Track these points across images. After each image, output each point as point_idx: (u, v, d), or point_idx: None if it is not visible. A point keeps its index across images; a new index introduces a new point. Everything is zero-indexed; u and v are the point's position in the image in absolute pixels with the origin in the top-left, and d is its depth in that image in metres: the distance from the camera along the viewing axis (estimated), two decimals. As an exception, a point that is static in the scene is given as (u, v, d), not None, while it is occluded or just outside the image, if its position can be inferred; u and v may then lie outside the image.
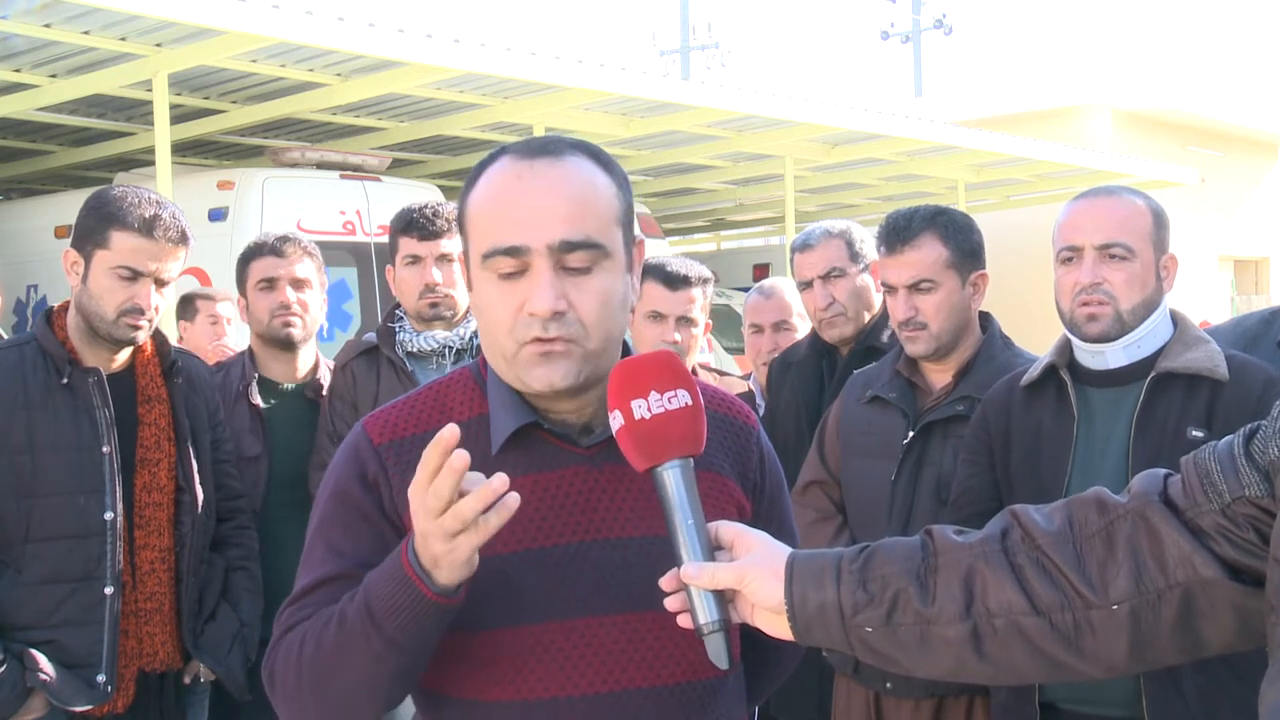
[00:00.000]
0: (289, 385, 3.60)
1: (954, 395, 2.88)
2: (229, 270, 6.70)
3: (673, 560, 1.44)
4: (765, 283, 4.16)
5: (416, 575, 1.37)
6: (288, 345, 3.56)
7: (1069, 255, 2.53)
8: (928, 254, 2.87)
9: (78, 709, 2.69)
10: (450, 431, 1.31)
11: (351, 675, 1.44)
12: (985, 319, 3.02)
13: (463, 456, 1.30)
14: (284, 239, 3.59)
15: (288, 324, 3.52)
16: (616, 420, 1.43)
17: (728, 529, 1.47)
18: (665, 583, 1.44)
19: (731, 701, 1.61)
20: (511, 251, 1.48)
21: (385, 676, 1.44)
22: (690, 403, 1.44)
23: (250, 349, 3.65)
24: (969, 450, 2.68)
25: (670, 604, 1.44)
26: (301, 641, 1.49)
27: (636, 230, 1.63)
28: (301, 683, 1.48)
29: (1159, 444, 2.37)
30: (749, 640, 1.57)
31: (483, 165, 1.57)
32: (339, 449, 1.62)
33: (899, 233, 2.90)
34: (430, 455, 1.31)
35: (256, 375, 3.55)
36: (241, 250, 3.69)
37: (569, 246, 1.48)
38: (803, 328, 4.02)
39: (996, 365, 2.87)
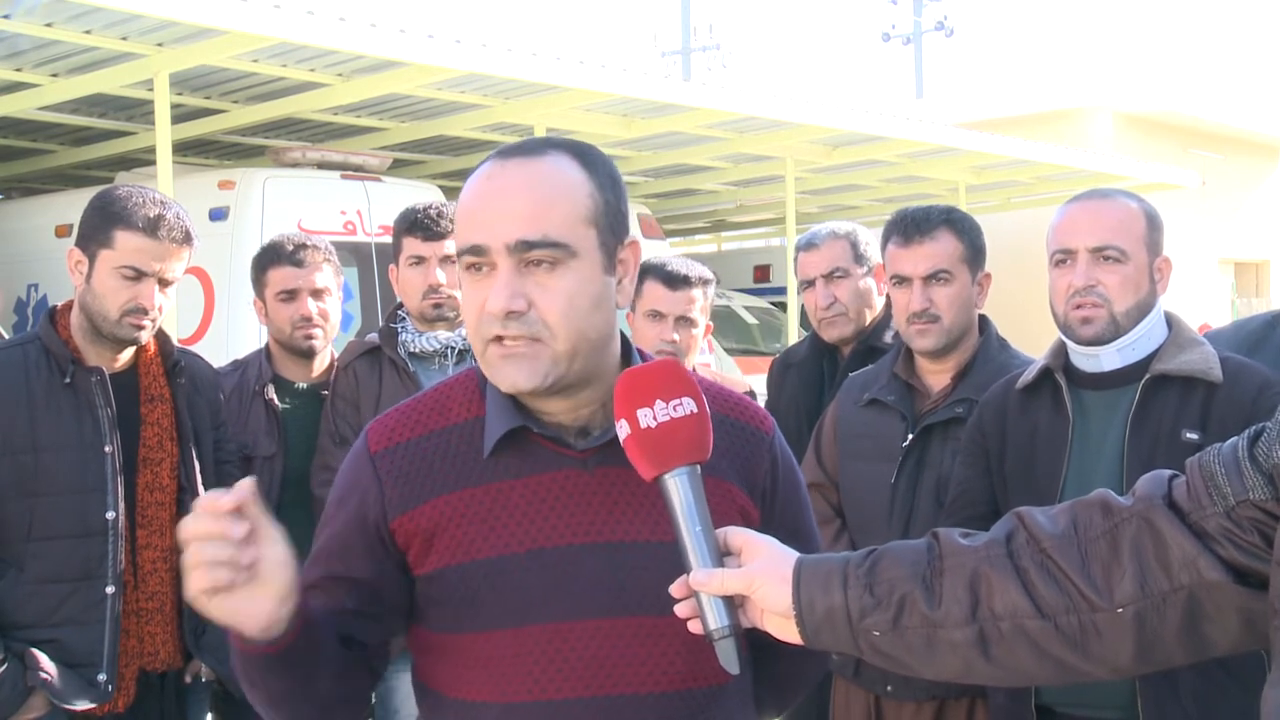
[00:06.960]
0: (303, 385, 3.61)
1: (953, 397, 2.89)
2: (229, 270, 6.78)
3: (669, 565, 1.44)
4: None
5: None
6: (308, 354, 3.58)
7: (1062, 258, 2.53)
8: (945, 246, 2.90)
9: (79, 708, 2.69)
10: (246, 487, 1.36)
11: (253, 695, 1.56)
12: (982, 321, 3.03)
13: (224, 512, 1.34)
14: (301, 245, 3.57)
15: (309, 336, 3.54)
16: (623, 429, 1.44)
17: (736, 534, 1.47)
18: (675, 589, 1.44)
19: (733, 711, 1.60)
20: (474, 250, 1.50)
21: (260, 701, 1.54)
22: (696, 410, 1.44)
23: (267, 348, 3.66)
24: (965, 453, 2.68)
25: (680, 610, 1.44)
26: None
27: (635, 231, 1.63)
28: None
29: (1154, 446, 2.37)
30: (772, 650, 1.56)
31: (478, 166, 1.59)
32: (348, 455, 1.64)
33: (917, 224, 2.92)
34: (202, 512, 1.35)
35: (273, 375, 3.56)
36: (257, 252, 3.67)
37: (527, 245, 1.48)
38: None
39: (994, 367, 2.88)
